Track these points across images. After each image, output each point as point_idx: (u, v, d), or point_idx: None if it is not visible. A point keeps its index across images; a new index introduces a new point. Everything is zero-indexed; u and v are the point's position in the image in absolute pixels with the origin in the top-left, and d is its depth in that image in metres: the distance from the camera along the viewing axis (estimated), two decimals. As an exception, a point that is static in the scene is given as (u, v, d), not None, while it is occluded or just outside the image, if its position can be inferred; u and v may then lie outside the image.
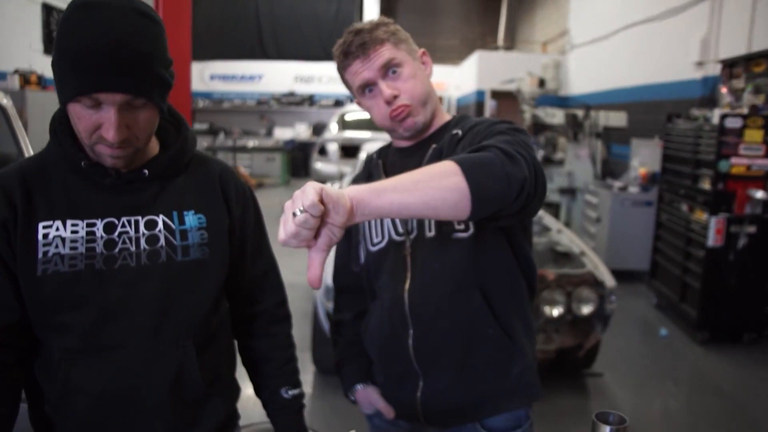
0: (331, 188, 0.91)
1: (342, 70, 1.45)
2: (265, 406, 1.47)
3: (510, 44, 15.10)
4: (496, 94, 12.58)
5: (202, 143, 14.34)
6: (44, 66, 7.19)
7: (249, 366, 1.49)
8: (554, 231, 4.34)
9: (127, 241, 1.20)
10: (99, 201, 1.20)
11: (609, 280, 3.61)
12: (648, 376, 4.20)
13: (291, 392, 1.44)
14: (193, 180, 1.31)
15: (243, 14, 15.58)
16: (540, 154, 8.07)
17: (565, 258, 3.88)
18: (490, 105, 12.82)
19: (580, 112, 7.32)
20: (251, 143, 14.29)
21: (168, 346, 1.21)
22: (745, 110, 4.65)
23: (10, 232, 1.16)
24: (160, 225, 1.24)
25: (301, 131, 15.55)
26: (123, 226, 1.21)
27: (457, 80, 15.58)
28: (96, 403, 1.18)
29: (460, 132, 1.41)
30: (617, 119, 7.13)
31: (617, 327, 4.72)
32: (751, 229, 4.53)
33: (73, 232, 1.17)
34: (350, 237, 1.60)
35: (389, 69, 1.40)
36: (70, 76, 1.06)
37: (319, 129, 14.97)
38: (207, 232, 1.28)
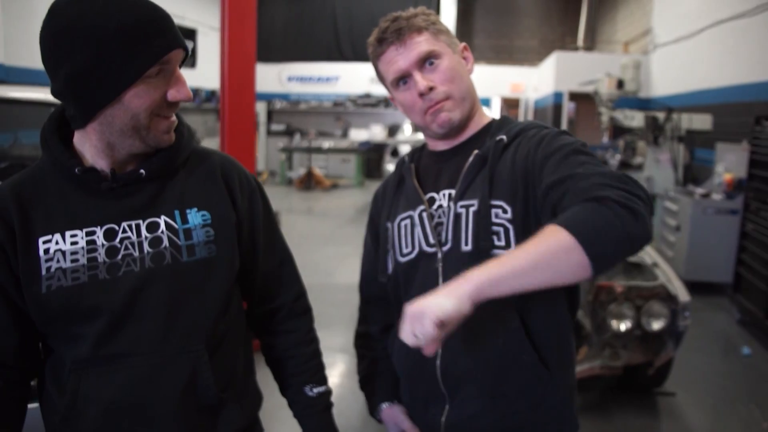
0: (451, 303, 1.00)
1: (375, 59, 1.36)
2: (290, 405, 1.41)
3: (590, 45, 14.64)
4: (575, 96, 12.23)
5: (278, 143, 14.62)
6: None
7: (272, 365, 1.44)
8: (626, 240, 4.10)
9: (130, 246, 1.16)
10: (97, 208, 1.17)
11: (683, 295, 3.38)
12: (727, 398, 3.91)
13: (316, 390, 1.38)
14: (194, 176, 1.26)
15: (320, 16, 15.75)
16: (617, 158, 7.77)
17: (635, 269, 3.67)
18: (568, 107, 12.48)
19: (660, 115, 7.00)
20: (326, 144, 14.42)
21: (178, 351, 1.17)
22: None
23: (9, 255, 1.13)
24: (163, 226, 1.19)
25: (376, 132, 15.57)
26: (124, 231, 1.17)
27: (535, 82, 15.24)
28: (105, 414, 1.15)
29: (505, 138, 1.30)
30: (701, 122, 6.78)
31: (694, 342, 4.45)
32: None
33: (72, 243, 1.14)
34: (378, 244, 1.51)
35: (426, 60, 1.30)
36: (140, 47, 1.05)
37: (394, 131, 14.98)
38: (213, 229, 1.22)
